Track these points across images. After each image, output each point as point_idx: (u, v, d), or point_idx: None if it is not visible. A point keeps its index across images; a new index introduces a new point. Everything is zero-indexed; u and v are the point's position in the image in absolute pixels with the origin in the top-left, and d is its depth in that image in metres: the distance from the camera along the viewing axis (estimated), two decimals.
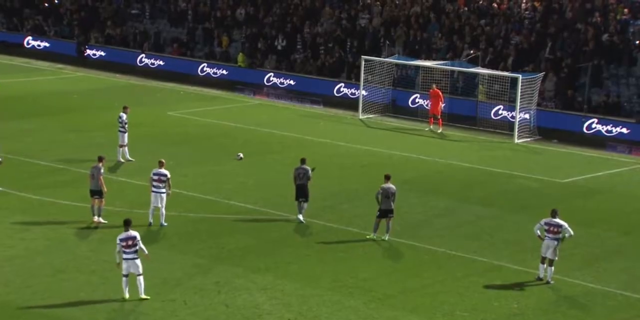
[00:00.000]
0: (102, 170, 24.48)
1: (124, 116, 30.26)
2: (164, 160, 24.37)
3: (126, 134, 30.14)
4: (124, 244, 19.61)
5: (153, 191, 24.01)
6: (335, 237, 24.01)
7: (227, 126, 36.20)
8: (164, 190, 23.94)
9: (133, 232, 19.82)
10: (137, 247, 19.65)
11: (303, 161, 25.39)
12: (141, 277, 19.62)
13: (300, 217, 24.90)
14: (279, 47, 47.17)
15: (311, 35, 46.77)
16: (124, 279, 19.57)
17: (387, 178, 24.06)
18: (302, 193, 24.91)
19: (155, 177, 23.97)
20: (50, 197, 26.33)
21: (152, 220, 24.08)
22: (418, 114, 39.42)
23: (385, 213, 23.79)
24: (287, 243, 23.53)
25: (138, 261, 19.61)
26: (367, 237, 23.85)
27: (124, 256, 19.59)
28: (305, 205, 24.98)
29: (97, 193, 24.25)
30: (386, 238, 23.80)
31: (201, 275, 21.08)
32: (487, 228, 25.33)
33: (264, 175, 29.50)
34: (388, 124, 38.31)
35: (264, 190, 27.89)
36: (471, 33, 43.10)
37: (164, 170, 24.07)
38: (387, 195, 23.68)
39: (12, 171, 28.57)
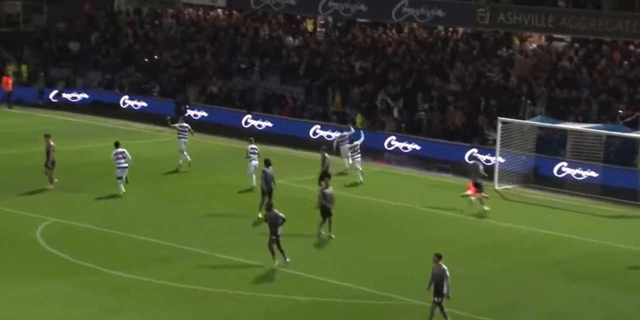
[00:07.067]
0: None
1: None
2: None
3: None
4: None
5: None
6: None
7: (341, 197, 35.97)
8: None
9: None
10: None
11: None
12: None
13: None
14: (397, 107, 47.14)
15: (438, 93, 46.77)
16: None
17: (439, 258, 22.89)
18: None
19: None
20: (144, 275, 26.64)
21: None
22: (565, 185, 38.68)
23: None
24: None
25: None
26: None
27: None
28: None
29: None
30: None
31: None
32: None
33: (379, 252, 29.26)
34: (529, 197, 37.67)
35: (381, 269, 27.66)
36: (629, 91, 42.31)
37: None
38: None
39: (104, 246, 29.21)
